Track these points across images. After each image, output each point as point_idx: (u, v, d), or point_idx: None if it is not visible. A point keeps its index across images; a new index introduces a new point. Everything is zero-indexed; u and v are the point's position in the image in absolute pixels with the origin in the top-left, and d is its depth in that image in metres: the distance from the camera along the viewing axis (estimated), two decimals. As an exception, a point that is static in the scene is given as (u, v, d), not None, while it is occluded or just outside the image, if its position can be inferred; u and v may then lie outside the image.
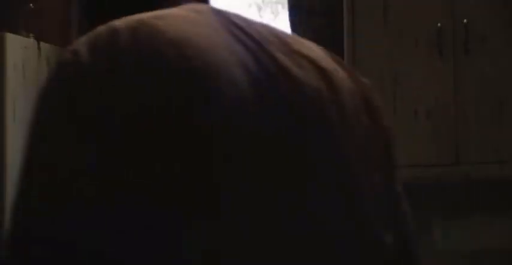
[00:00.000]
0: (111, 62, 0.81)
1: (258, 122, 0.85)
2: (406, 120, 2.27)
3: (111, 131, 0.78)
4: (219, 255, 0.80)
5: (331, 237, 0.87)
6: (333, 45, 2.57)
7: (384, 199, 0.94)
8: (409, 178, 2.34)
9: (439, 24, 2.24)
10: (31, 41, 2.78)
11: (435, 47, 2.25)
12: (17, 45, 2.68)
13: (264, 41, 0.93)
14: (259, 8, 3.33)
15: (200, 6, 0.97)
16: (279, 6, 3.23)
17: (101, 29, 0.84)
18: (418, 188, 2.55)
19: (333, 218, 0.87)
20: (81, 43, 0.84)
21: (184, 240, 0.78)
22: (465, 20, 2.21)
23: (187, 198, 0.78)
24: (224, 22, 0.94)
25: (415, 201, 2.55)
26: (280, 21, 3.18)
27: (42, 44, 2.81)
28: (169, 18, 0.90)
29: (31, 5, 2.97)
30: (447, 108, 2.22)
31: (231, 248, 0.81)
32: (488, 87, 2.19)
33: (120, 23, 0.85)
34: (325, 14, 2.64)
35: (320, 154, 0.89)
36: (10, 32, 2.71)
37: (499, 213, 2.41)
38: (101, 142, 0.78)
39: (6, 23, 2.89)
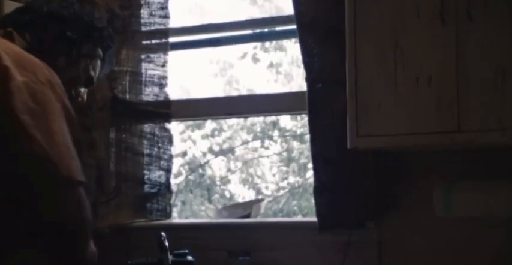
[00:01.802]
0: None
1: None
2: (407, 88, 2.26)
3: None
4: None
5: None
6: (333, 15, 2.55)
7: None
8: (410, 146, 2.34)
9: (441, -9, 2.22)
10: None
11: (437, 14, 2.22)
12: (15, 11, 2.65)
13: None
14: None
15: None
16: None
17: None
18: (419, 156, 2.55)
19: None
20: None
21: None
22: (468, -14, 2.19)
23: None
24: None
25: (416, 169, 2.56)
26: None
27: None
28: None
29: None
30: (449, 76, 2.21)
31: None
32: (491, 54, 2.17)
33: None
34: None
35: None
36: (8, -1, 2.69)
37: (501, 180, 2.41)
38: None
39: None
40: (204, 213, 3.13)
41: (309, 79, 2.64)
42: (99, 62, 1.92)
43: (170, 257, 2.23)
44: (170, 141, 3.00)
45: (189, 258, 2.29)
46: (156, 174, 2.98)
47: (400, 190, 2.58)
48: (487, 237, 2.45)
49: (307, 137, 2.77)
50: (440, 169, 2.52)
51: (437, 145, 2.31)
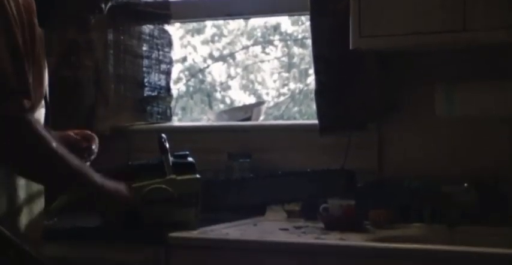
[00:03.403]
0: None
1: None
2: (412, -15, 2.22)
3: None
4: None
5: None
6: None
7: None
8: (413, 45, 2.31)
9: None
10: None
11: None
12: None
13: None
14: None
15: None
16: None
17: None
18: (423, 56, 2.52)
19: None
20: None
21: None
22: None
23: None
24: None
25: (419, 69, 2.54)
26: None
27: None
28: None
29: None
30: (456, -28, 2.16)
31: None
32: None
33: None
34: None
35: None
36: None
37: (504, 80, 2.39)
38: None
39: None
40: (205, 119, 3.13)
41: (311, -23, 2.58)
42: None
43: (171, 158, 2.22)
44: (170, 43, 2.96)
45: (190, 159, 2.28)
46: (156, 77, 2.96)
47: (402, 91, 2.56)
48: (487, 137, 2.45)
49: (309, 42, 2.73)
50: (443, 69, 2.49)
51: (442, 44, 2.28)
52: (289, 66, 3.54)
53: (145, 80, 2.95)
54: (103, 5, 2.62)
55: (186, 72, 3.63)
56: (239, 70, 3.61)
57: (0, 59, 1.41)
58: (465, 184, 2.33)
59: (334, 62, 2.56)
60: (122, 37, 2.91)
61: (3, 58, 1.41)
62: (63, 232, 2.26)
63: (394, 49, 2.43)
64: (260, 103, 3.07)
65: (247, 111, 2.94)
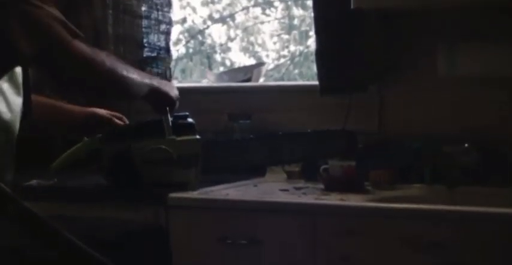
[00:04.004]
0: None
1: None
2: None
3: None
4: None
5: None
6: None
7: None
8: (415, 3, 2.29)
9: None
10: None
11: None
12: None
13: None
14: None
15: None
16: None
17: None
18: (424, 16, 2.50)
19: None
20: None
21: None
22: None
23: None
24: None
25: (420, 29, 2.52)
26: None
27: None
28: None
29: None
30: None
31: None
32: None
33: None
34: None
35: None
36: None
37: (507, 39, 2.37)
38: None
39: None
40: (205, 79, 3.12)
41: None
42: None
43: (170, 119, 2.21)
44: (169, 3, 2.93)
45: (190, 120, 2.27)
46: (155, 38, 2.94)
47: (403, 51, 2.54)
48: (489, 97, 2.44)
49: (309, 3, 2.71)
50: (445, 29, 2.47)
51: (444, 3, 2.26)
52: (289, 28, 3.52)
53: (145, 40, 2.93)
54: None
55: (186, 34, 3.61)
56: (239, 32, 3.58)
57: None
58: (466, 145, 2.33)
59: (334, 22, 2.54)
60: (121, -4, 2.88)
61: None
62: (63, 192, 2.26)
63: (395, 8, 2.40)
64: (260, 64, 3.06)
65: (248, 72, 2.92)
